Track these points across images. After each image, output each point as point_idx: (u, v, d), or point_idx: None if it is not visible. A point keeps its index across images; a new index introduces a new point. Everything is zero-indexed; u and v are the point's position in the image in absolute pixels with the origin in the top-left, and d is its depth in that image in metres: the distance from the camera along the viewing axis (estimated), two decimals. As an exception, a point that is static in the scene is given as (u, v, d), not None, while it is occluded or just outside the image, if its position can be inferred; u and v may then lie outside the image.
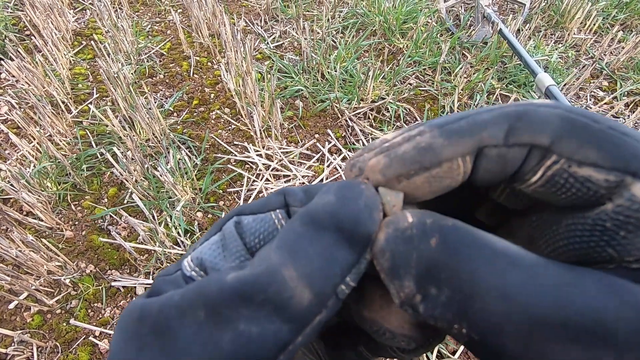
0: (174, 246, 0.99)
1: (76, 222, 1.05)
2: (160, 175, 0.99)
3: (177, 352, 0.13)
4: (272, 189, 1.12)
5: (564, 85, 1.41)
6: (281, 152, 1.20)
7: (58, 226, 1.03)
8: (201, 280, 0.14)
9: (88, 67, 1.47)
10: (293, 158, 1.19)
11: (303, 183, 1.13)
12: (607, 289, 0.11)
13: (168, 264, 0.97)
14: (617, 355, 0.11)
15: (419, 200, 0.15)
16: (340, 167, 1.17)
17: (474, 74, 1.45)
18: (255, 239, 0.16)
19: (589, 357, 0.11)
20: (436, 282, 0.12)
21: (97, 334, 0.87)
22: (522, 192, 0.14)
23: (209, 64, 1.50)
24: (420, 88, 1.41)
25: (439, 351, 0.88)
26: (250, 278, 0.13)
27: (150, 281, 0.94)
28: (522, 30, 1.60)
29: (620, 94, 1.44)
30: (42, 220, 1.01)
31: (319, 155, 1.21)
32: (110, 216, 1.05)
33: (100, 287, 0.94)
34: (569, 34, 1.67)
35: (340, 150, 1.22)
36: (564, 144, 0.13)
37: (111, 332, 0.86)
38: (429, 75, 1.47)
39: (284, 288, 0.13)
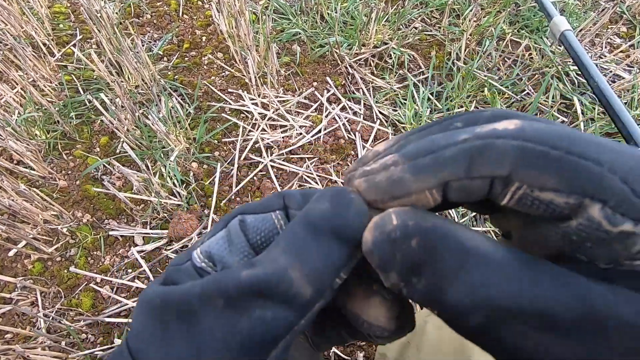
0: (170, 197, 0.98)
1: (69, 172, 1.03)
2: (152, 124, 0.95)
3: (201, 332, 0.16)
4: (268, 139, 1.08)
5: (580, 30, 1.32)
6: (277, 101, 1.15)
7: (51, 175, 1.01)
8: (217, 275, 0.17)
9: (69, 5, 1.36)
10: (290, 107, 1.15)
11: (300, 134, 1.10)
12: (561, 284, 0.13)
13: (165, 214, 0.96)
14: (560, 340, 0.12)
15: None
16: (339, 117, 1.13)
17: (484, 17, 1.35)
18: (257, 237, 0.19)
19: (537, 340, 0.13)
20: (416, 274, 0.15)
21: (98, 280, 0.89)
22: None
23: (200, 2, 1.39)
24: (426, 32, 1.32)
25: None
26: (263, 277, 0.15)
27: (148, 231, 0.95)
28: (541, -33, 1.46)
29: (638, 42, 1.35)
30: (33, 170, 0.99)
31: (317, 104, 1.16)
32: (104, 166, 1.03)
33: (98, 236, 0.94)
34: (590, -27, 1.53)
35: (340, 99, 1.17)
36: (522, 174, 0.14)
37: (112, 279, 0.88)
38: (436, 18, 1.37)
39: (291, 285, 0.15)
